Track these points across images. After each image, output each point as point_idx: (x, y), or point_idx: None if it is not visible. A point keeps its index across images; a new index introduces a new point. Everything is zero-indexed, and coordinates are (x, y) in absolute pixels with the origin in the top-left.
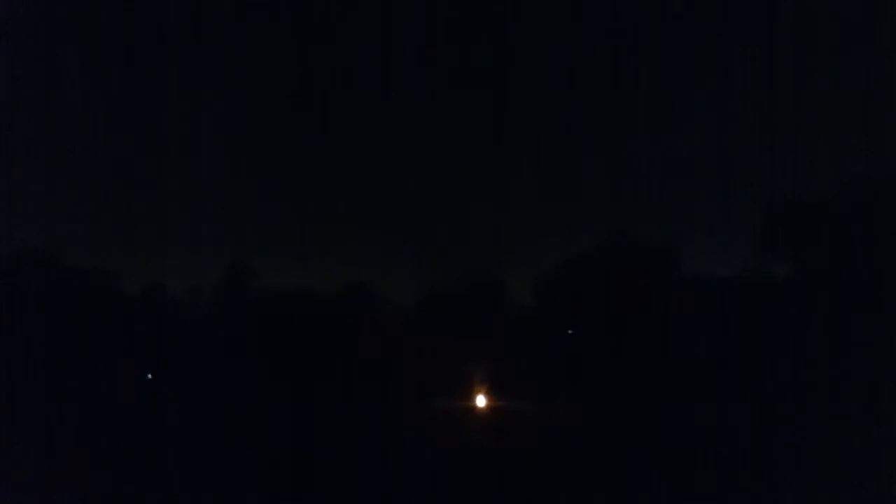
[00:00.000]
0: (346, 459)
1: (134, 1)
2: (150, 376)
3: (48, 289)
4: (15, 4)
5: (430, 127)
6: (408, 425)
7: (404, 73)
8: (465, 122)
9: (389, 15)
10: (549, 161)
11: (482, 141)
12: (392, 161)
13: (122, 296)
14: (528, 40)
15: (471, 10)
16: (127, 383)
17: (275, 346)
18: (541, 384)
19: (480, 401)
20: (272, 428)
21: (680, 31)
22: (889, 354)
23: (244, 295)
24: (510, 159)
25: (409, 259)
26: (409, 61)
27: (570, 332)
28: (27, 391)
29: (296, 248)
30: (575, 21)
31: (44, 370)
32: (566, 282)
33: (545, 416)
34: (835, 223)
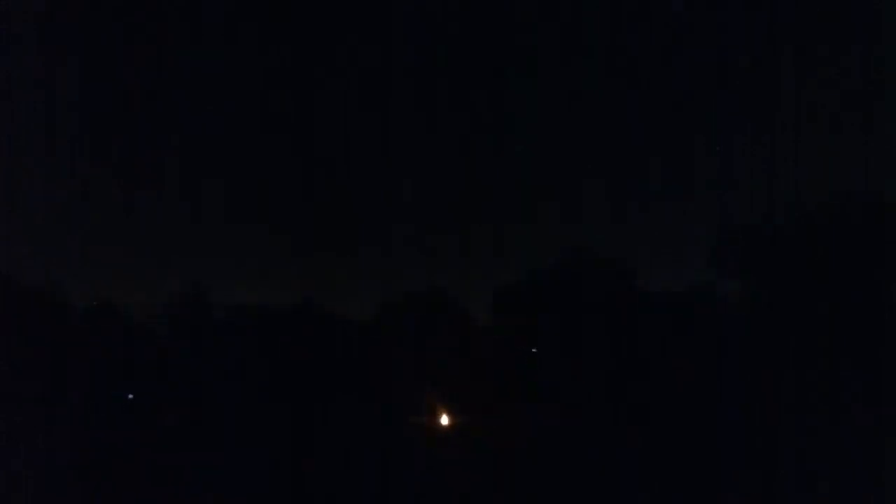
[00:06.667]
0: (304, 480)
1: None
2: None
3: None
4: None
5: (391, 143)
6: (370, 445)
7: (357, 88)
8: (426, 138)
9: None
10: (510, 178)
11: (442, 157)
12: (350, 176)
13: (74, 314)
14: (489, 55)
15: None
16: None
17: (229, 365)
18: (502, 400)
19: (444, 419)
20: (226, 448)
21: (632, 46)
22: (852, 370)
23: (199, 314)
24: (472, 175)
25: (364, 276)
26: (358, 73)
27: (533, 350)
28: None
29: (251, 266)
30: (531, 36)
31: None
32: (525, 299)
33: (508, 433)
34: (795, 241)
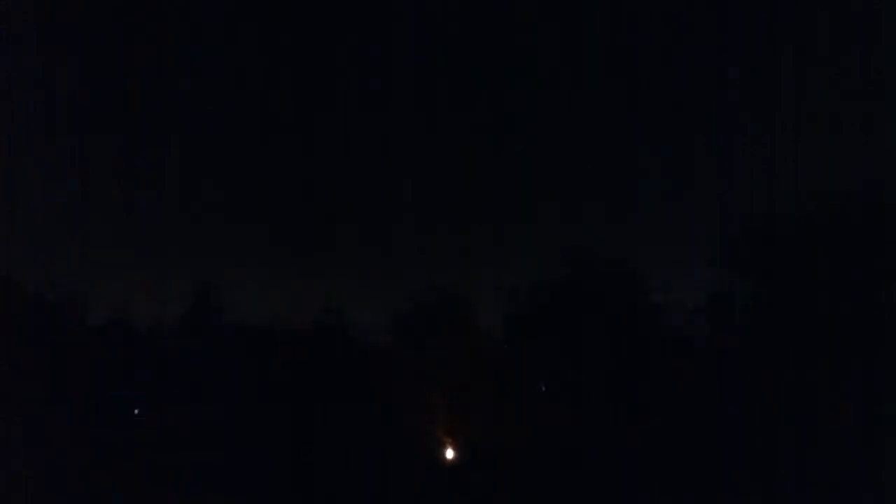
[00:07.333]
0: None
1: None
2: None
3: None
4: None
5: (395, 147)
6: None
7: (356, 94)
8: (430, 141)
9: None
10: (516, 182)
11: (444, 161)
12: (355, 182)
13: (83, 323)
14: (490, 55)
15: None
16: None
17: (233, 378)
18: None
19: (449, 453)
20: (227, 459)
21: (632, 46)
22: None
23: (207, 324)
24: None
25: (373, 285)
26: (362, 80)
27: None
28: None
29: (255, 273)
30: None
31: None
32: (535, 308)
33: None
34: (806, 240)
